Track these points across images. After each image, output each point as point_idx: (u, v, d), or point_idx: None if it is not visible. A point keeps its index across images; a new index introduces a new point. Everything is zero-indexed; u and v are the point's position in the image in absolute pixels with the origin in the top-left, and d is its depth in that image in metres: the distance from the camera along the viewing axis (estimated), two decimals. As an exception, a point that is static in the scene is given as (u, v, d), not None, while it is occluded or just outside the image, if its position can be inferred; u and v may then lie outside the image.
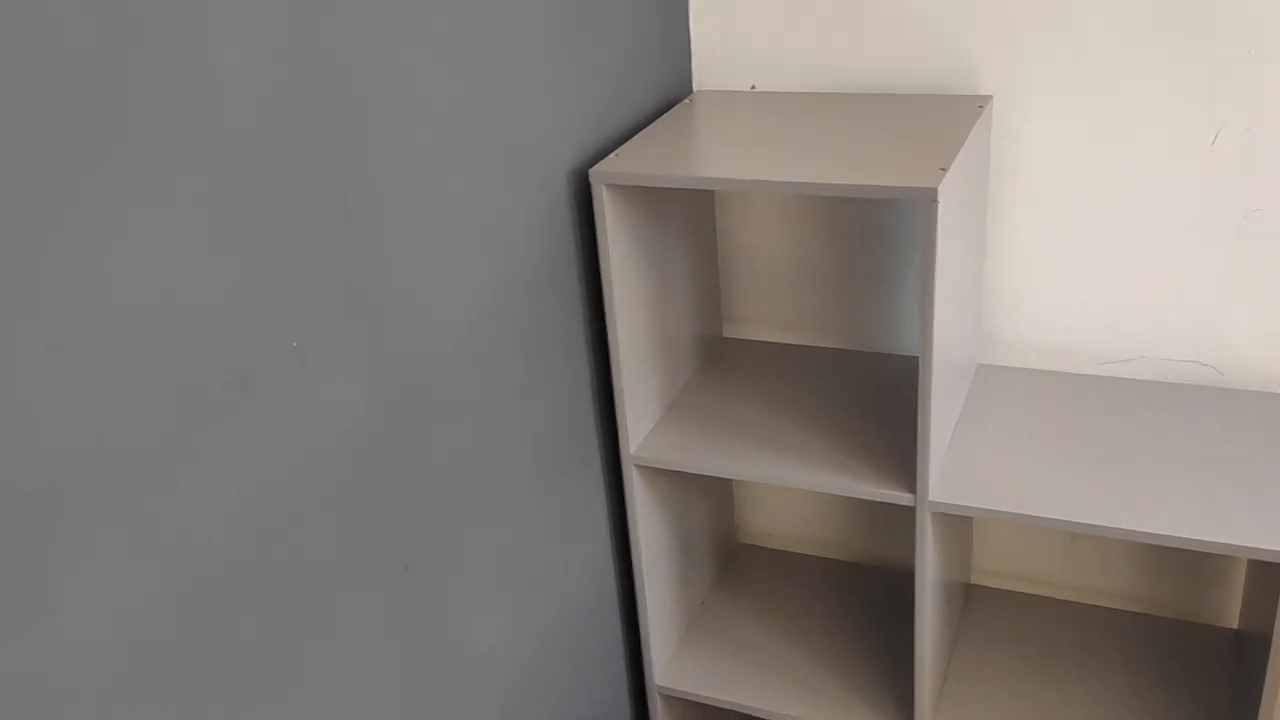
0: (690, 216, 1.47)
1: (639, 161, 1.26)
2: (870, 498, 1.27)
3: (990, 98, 1.36)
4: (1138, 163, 1.35)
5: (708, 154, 1.27)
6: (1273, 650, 1.17)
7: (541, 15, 1.16)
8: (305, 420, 0.91)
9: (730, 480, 1.73)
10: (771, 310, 1.61)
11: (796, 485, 1.30)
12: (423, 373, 1.05)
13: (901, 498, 1.26)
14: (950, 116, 1.31)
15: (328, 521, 0.95)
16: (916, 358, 1.53)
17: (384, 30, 0.95)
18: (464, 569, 1.15)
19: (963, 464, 1.30)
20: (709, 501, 1.64)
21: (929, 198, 1.10)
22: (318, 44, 0.88)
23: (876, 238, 1.51)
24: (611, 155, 1.27)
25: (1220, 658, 1.49)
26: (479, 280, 1.12)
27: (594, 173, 1.24)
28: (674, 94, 1.48)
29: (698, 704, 1.64)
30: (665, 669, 1.53)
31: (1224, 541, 1.16)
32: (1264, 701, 1.20)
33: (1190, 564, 1.53)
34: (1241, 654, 1.47)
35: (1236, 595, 1.52)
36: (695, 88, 1.52)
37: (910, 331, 1.54)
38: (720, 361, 1.57)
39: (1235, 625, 1.53)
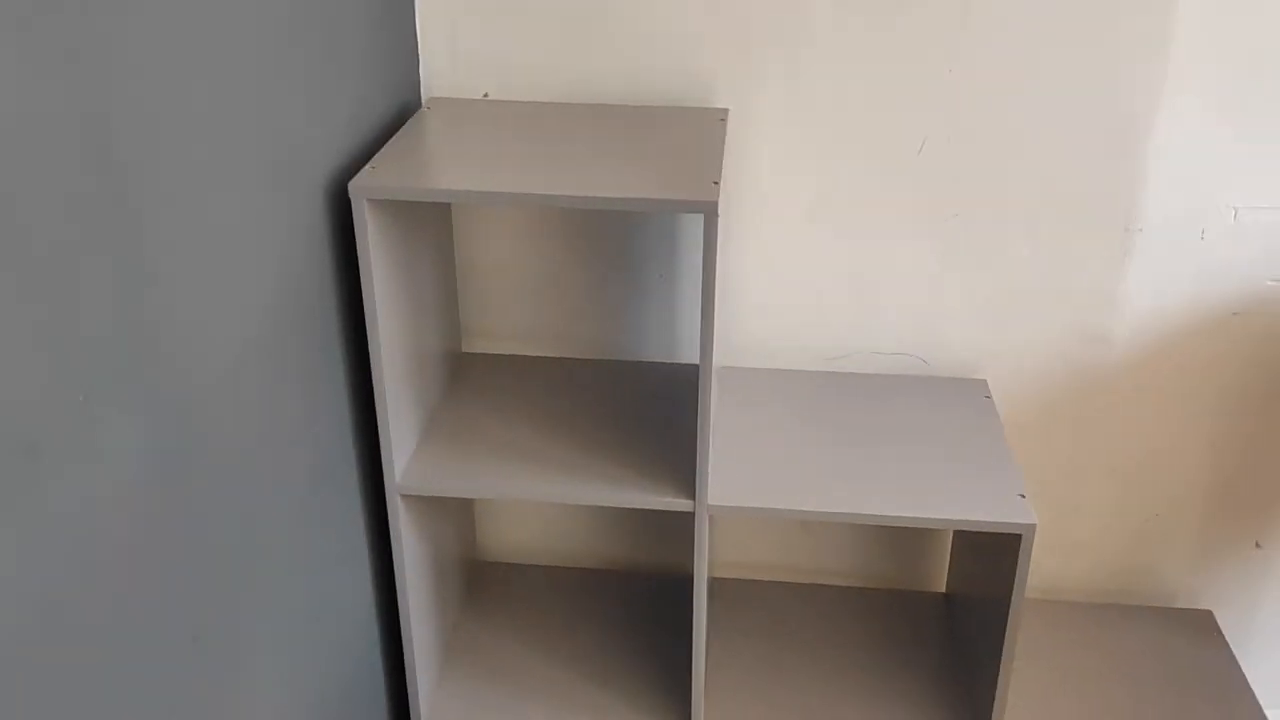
0: (432, 230, 1.40)
1: (397, 174, 1.18)
2: (650, 507, 1.28)
3: (727, 110, 1.41)
4: (855, 172, 1.45)
5: (467, 165, 1.22)
6: (1010, 615, 1.30)
7: (269, 25, 1.05)
8: (88, 478, 0.78)
9: (472, 500, 1.67)
10: (511, 323, 1.57)
11: (576, 501, 1.28)
12: (196, 414, 0.93)
13: (681, 504, 1.28)
14: (696, 128, 1.33)
15: (111, 591, 0.81)
16: (665, 363, 1.56)
17: (124, 43, 0.83)
18: (250, 633, 1.03)
19: (721, 465, 1.34)
20: (455, 523, 1.58)
21: (711, 210, 1.12)
22: (56, 56, 0.75)
23: (616, 248, 1.52)
24: (367, 168, 1.19)
25: (933, 618, 1.63)
26: (245, 308, 1.01)
27: (354, 187, 1.15)
28: (406, 102, 1.40)
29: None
30: (431, 708, 1.46)
31: (935, 517, 1.27)
32: (1003, 660, 1.33)
33: (905, 538, 1.67)
34: (950, 613, 1.63)
35: (944, 562, 1.68)
36: (426, 95, 1.45)
37: (656, 338, 1.57)
38: (465, 379, 1.51)
39: (944, 589, 1.69)
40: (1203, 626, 1.62)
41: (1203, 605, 1.66)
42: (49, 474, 0.73)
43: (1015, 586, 1.29)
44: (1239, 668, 1.54)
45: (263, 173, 1.03)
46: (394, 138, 1.29)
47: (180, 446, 0.90)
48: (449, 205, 1.49)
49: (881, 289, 1.51)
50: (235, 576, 1.01)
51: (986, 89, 1.38)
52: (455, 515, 1.58)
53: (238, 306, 0.99)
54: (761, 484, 1.32)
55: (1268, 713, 1.47)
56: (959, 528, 1.26)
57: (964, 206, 1.45)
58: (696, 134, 1.31)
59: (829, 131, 1.42)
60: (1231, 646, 1.58)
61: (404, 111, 1.40)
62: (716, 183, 1.16)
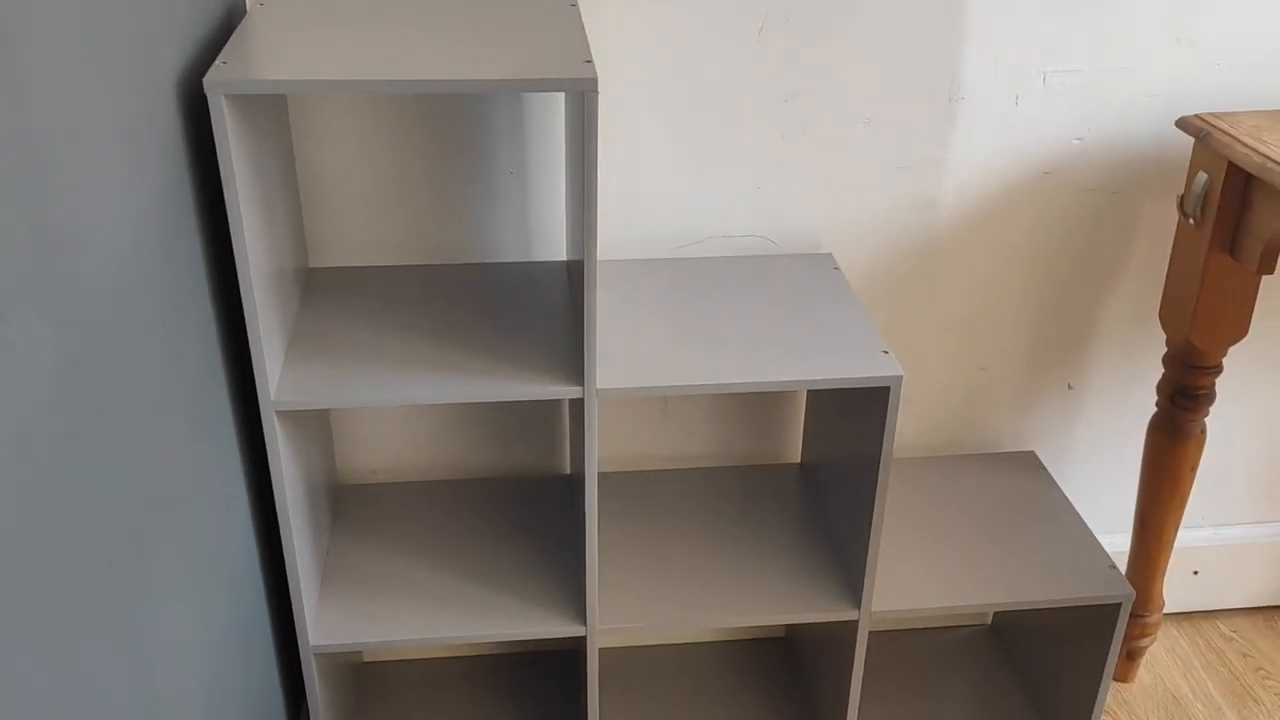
0: (274, 137, 1.33)
1: (251, 68, 1.12)
2: (540, 397, 1.28)
3: (573, -4, 1.39)
4: (698, 58, 1.47)
5: (321, 58, 1.16)
6: (881, 467, 1.38)
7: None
8: (12, 395, 0.71)
9: (329, 422, 1.62)
10: (358, 234, 1.52)
11: (465, 400, 1.27)
12: (93, 327, 0.86)
13: (570, 390, 1.28)
14: (548, 13, 1.32)
15: (35, 512, 0.75)
16: (522, 263, 1.55)
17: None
18: (155, 556, 0.97)
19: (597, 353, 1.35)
20: (319, 446, 1.53)
21: (590, 87, 1.12)
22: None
23: (462, 147, 1.49)
24: (218, 63, 1.12)
25: (789, 487, 1.71)
26: (117, 218, 0.93)
27: (209, 81, 1.07)
28: (231, 6, 1.32)
29: (353, 665, 1.54)
30: (317, 630, 1.42)
31: (816, 378, 1.33)
32: (875, 512, 1.41)
33: (761, 414, 1.73)
34: (804, 480, 1.72)
35: (798, 434, 1.76)
36: (251, -7, 1.37)
37: (509, 237, 1.55)
38: (319, 293, 1.45)
39: (799, 460, 1.77)
40: (1029, 466, 1.77)
41: (1025, 447, 1.81)
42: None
43: (885, 438, 1.37)
44: (1067, 499, 1.70)
45: (116, 71, 0.95)
46: (233, 35, 1.21)
47: (83, 362, 0.84)
48: (287, 113, 1.41)
49: (727, 174, 1.55)
50: (136, 501, 0.95)
51: (819, -33, 1.43)
52: (319, 437, 1.53)
53: (111, 215, 0.92)
54: (640, 367, 1.34)
55: (1098, 538, 1.64)
56: (835, 385, 1.33)
57: (802, 86, 1.50)
58: (550, 19, 1.30)
59: (671, 18, 1.44)
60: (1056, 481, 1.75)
61: (231, 14, 1.31)
62: (589, 61, 1.15)
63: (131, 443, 0.94)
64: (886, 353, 1.37)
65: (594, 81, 1.11)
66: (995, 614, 1.92)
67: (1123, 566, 1.78)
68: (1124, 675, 1.85)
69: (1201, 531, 1.92)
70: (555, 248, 1.57)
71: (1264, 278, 1.49)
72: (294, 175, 1.44)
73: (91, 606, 0.84)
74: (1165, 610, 1.87)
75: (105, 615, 0.86)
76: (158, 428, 1.01)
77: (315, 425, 1.50)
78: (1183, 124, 1.48)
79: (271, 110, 1.31)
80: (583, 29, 1.26)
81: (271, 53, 1.18)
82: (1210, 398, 1.61)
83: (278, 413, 1.25)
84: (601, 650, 1.85)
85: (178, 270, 1.09)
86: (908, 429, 1.77)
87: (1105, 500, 1.86)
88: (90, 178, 0.88)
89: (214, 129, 1.08)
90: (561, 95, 1.46)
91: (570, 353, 1.33)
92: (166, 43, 1.08)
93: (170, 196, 1.07)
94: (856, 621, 1.49)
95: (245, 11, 1.34)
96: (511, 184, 1.52)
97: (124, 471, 0.92)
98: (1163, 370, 1.62)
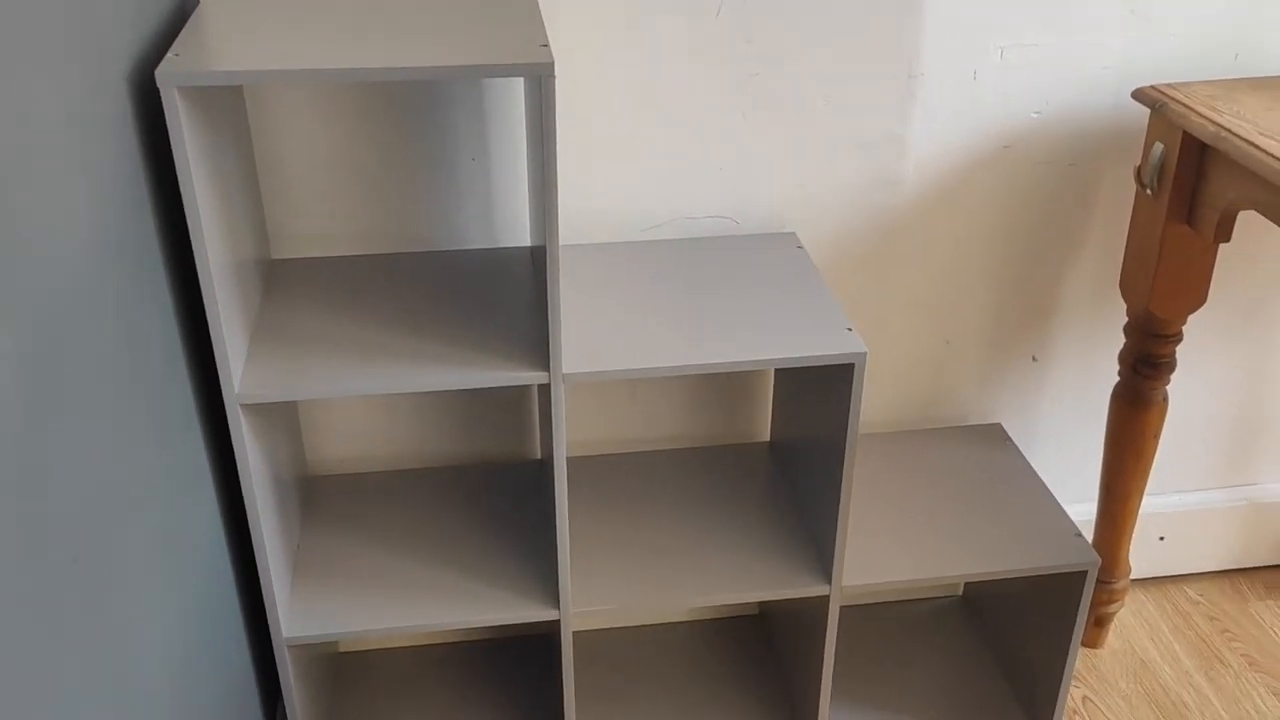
0: (232, 127, 1.32)
1: (204, 60, 1.10)
2: (506, 384, 1.28)
3: (529, -20, 1.39)
4: (656, 40, 1.47)
5: (275, 48, 1.15)
6: (847, 444, 1.40)
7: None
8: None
9: (297, 414, 1.62)
10: (319, 224, 1.51)
11: (429, 388, 1.26)
12: (48, 324, 0.86)
13: (536, 376, 1.28)
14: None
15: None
16: (486, 249, 1.55)
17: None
18: (121, 554, 0.97)
19: (562, 338, 1.35)
20: (288, 438, 1.52)
21: (547, 72, 1.12)
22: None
23: (422, 134, 1.48)
24: (170, 55, 1.10)
25: (759, 466, 1.72)
26: (67, 214, 0.93)
27: (161, 74, 1.06)
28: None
29: (329, 655, 1.54)
30: (289, 622, 1.42)
31: (779, 356, 1.33)
32: (843, 484, 1.43)
33: (729, 394, 1.74)
34: (774, 458, 1.73)
35: (766, 413, 1.77)
36: (202, -17, 1.36)
37: (472, 224, 1.55)
38: (282, 285, 1.45)
39: (768, 438, 1.78)
40: (995, 438, 1.79)
41: (991, 419, 1.83)
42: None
43: (851, 415, 1.38)
44: (1033, 469, 1.72)
45: (65, 66, 0.94)
46: (186, 26, 1.20)
47: (42, 360, 0.83)
48: (244, 103, 1.40)
49: (688, 155, 1.55)
50: (101, 498, 0.94)
51: (775, -54, 1.43)
52: (287, 429, 1.52)
53: (66, 212, 0.91)
54: (606, 351, 1.34)
55: (1065, 507, 1.66)
56: (800, 364, 1.34)
57: (761, 66, 1.50)
58: (506, 3, 1.29)
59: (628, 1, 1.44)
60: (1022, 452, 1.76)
61: (183, 4, 1.30)
62: (545, 45, 1.15)
63: (94, 440, 0.93)
64: (850, 330, 1.37)
65: (550, 66, 1.11)
66: (965, 585, 1.94)
67: (1089, 534, 1.80)
68: (1093, 641, 1.87)
69: (1166, 498, 1.95)
70: (519, 233, 1.56)
71: (1221, 246, 1.50)
72: (253, 166, 1.43)
73: (58, 606, 0.83)
74: (1132, 576, 1.90)
75: (73, 615, 0.86)
76: (121, 424, 1.00)
77: (282, 417, 1.49)
78: (1138, 95, 1.49)
79: (227, 101, 1.29)
80: (539, 12, 1.26)
81: (225, 43, 1.16)
82: (1171, 366, 1.63)
83: (242, 406, 1.25)
84: (576, 633, 1.86)
85: (136, 265, 1.08)
86: (874, 404, 1.78)
87: (1071, 470, 1.88)
88: (43, 174, 0.87)
89: (168, 122, 1.07)
90: (521, 79, 1.45)
91: (536, 338, 1.34)
92: (117, 35, 1.07)
93: (126, 192, 1.06)
94: (828, 597, 1.51)
95: (197, 2, 1.33)
96: (474, 170, 1.52)
97: (87, 468, 0.91)
98: (1124, 340, 1.64)
